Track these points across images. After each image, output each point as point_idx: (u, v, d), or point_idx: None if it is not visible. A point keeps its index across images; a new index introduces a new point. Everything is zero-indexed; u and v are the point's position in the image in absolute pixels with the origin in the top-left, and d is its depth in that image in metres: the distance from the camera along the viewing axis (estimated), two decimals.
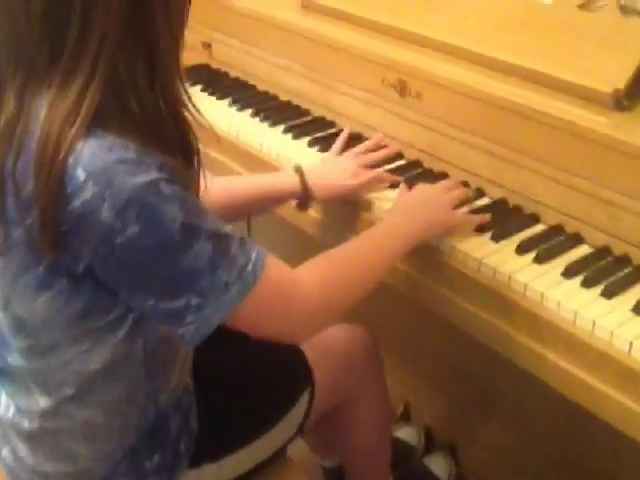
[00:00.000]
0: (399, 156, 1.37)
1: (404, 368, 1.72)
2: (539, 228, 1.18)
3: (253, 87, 1.68)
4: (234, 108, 1.59)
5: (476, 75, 1.26)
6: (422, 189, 1.19)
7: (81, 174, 0.78)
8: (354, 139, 1.41)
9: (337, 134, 1.41)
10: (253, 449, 1.12)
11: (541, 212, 1.19)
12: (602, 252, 1.11)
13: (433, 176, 1.30)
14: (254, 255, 0.87)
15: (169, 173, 0.81)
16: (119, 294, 0.86)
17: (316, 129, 1.48)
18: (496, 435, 1.63)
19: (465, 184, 1.26)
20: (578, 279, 1.06)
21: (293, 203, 1.28)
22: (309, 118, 1.54)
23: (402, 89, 1.34)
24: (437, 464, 1.63)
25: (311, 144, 1.44)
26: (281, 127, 1.49)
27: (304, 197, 1.25)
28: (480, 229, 1.16)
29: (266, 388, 1.15)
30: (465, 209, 1.20)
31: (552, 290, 1.04)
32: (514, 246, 1.13)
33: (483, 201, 1.24)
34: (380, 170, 1.30)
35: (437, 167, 1.32)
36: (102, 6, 0.78)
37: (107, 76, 0.80)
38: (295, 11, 1.59)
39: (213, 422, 1.07)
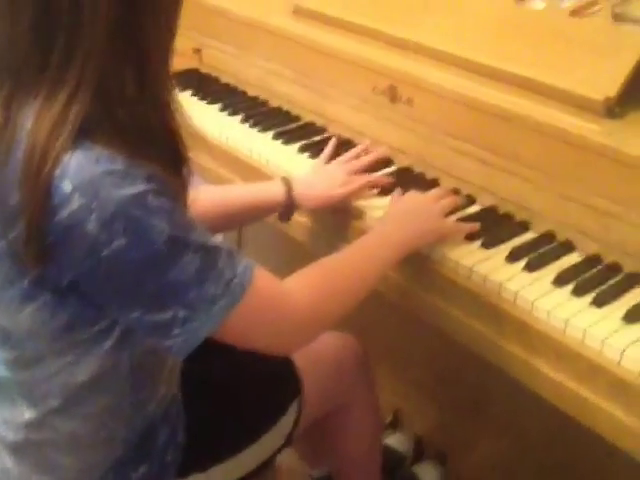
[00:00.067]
0: (389, 162, 1.36)
1: (394, 376, 1.72)
2: (530, 236, 1.17)
3: (243, 93, 1.67)
4: (224, 113, 1.58)
5: (467, 82, 1.25)
6: (413, 197, 1.19)
7: (68, 186, 0.77)
8: (344, 145, 1.40)
9: (328, 140, 1.40)
10: (241, 459, 1.11)
11: (532, 220, 1.18)
12: (593, 260, 1.10)
13: (424, 183, 1.29)
14: (242, 267, 0.86)
15: (157, 184, 0.80)
16: (105, 307, 0.86)
17: (307, 135, 1.47)
18: (487, 443, 1.62)
19: (456, 191, 1.26)
20: (569, 287, 1.05)
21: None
22: (300, 124, 1.53)
23: (393, 95, 1.33)
24: (427, 472, 1.63)
25: (301, 150, 1.43)
26: (271, 133, 1.48)
27: (286, 208, 1.25)
28: (471, 237, 1.16)
29: (254, 397, 1.15)
30: (456, 217, 1.19)
31: (542, 299, 1.03)
32: (505, 254, 1.12)
33: (474, 208, 1.24)
34: (368, 176, 1.29)
35: (428, 174, 1.31)
36: (89, 16, 0.77)
37: (95, 86, 0.79)
38: (286, 16, 1.58)
39: (201, 432, 1.06)
